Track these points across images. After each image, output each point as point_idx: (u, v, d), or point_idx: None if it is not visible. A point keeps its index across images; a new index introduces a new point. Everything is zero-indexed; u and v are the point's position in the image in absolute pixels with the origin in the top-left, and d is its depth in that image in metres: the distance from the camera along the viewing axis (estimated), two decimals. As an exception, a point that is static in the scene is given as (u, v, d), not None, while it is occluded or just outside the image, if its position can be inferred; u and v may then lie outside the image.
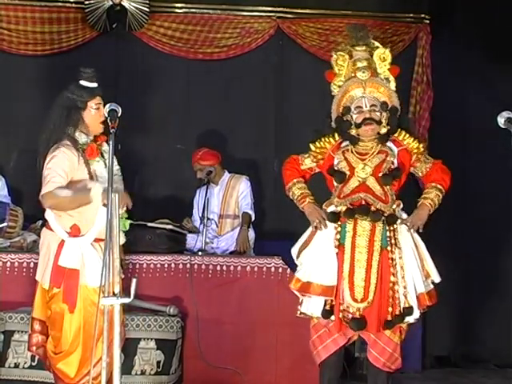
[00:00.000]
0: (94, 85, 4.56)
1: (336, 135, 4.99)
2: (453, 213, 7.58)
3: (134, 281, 3.59)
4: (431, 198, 4.87)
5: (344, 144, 4.96)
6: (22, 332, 5.52)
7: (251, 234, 6.91)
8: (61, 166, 4.38)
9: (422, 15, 7.53)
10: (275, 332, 5.69)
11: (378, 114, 4.89)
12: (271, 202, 7.46)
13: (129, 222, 4.76)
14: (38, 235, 6.51)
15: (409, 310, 4.67)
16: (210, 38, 7.50)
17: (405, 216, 4.86)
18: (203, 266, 6.01)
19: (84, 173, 4.47)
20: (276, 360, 5.89)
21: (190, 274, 5.96)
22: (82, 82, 4.55)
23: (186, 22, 7.46)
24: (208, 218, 6.62)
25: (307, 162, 5.06)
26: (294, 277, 4.86)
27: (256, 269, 5.95)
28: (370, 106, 4.88)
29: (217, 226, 7.00)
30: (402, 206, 4.87)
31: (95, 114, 4.53)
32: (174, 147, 7.54)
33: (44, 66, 7.38)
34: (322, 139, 5.00)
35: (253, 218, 6.90)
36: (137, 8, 7.27)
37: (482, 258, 7.44)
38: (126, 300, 3.61)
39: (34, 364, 5.53)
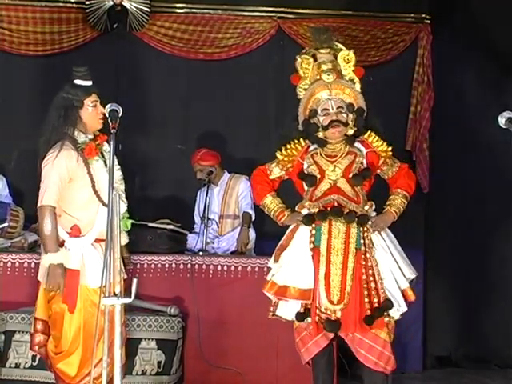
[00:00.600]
0: (89, 83, 4.61)
1: (302, 141, 4.99)
2: (453, 213, 7.59)
3: (134, 281, 3.58)
4: (397, 205, 4.87)
5: (312, 148, 4.97)
6: (23, 332, 5.53)
7: (252, 233, 6.90)
8: (56, 174, 4.43)
9: (423, 15, 7.51)
10: (276, 332, 5.68)
11: (345, 115, 4.90)
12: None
13: (130, 221, 4.77)
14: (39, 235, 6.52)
15: (387, 303, 4.64)
16: (210, 38, 7.47)
17: (373, 214, 4.87)
18: (204, 266, 6.02)
19: (83, 172, 4.50)
20: (277, 360, 5.89)
21: (191, 274, 5.95)
22: (77, 81, 4.60)
23: (187, 23, 7.44)
24: (209, 218, 6.63)
25: (276, 172, 5.06)
26: (270, 280, 4.83)
27: (257, 269, 5.95)
28: (337, 108, 4.89)
29: (217, 226, 6.99)
30: (374, 207, 4.88)
31: (92, 111, 4.57)
32: (175, 147, 7.52)
33: (45, 66, 7.37)
34: (288, 146, 5.00)
35: (253, 218, 6.89)
36: (137, 8, 7.25)
37: (483, 257, 7.43)
38: (127, 300, 3.60)
39: (34, 364, 5.53)
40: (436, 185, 7.41)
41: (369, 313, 4.63)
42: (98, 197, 4.53)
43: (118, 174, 4.72)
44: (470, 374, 7.06)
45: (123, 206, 4.62)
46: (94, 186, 4.52)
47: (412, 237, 7.30)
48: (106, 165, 4.58)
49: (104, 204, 4.46)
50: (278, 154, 5.02)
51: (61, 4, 7.35)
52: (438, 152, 7.47)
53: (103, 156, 4.63)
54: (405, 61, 7.53)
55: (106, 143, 4.67)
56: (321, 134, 4.93)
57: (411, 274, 4.82)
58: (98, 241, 4.52)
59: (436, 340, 7.49)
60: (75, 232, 4.48)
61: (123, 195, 4.67)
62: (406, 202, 4.90)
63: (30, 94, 7.31)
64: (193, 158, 6.92)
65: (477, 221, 7.54)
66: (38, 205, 4.46)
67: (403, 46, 7.52)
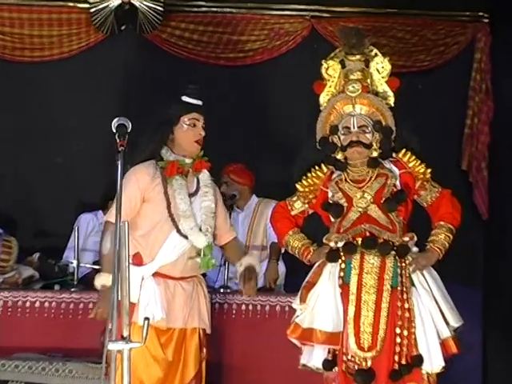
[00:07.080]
0: (194, 101, 4.97)
1: (323, 167, 4.97)
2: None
3: (145, 323, 3.56)
4: (441, 241, 4.81)
5: (336, 174, 4.94)
6: (18, 382, 5.51)
7: (281, 267, 6.89)
8: (127, 195, 4.53)
9: (480, 13, 7.51)
10: (308, 381, 5.64)
11: (369, 135, 4.86)
12: (305, 230, 7.41)
13: (213, 260, 4.93)
14: (36, 269, 6.54)
15: (416, 361, 4.59)
16: (233, 41, 7.54)
17: (415, 250, 4.82)
18: (226, 306, 6.02)
19: (159, 190, 4.77)
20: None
21: (212, 314, 5.93)
22: (183, 98, 4.97)
23: (206, 23, 7.51)
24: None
25: (297, 206, 5.04)
26: (293, 322, 4.81)
27: (287, 308, 5.93)
28: (359, 127, 4.85)
29: (242, 259, 6.97)
30: (415, 239, 4.82)
31: (188, 130, 4.92)
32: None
33: (42, 74, 7.42)
34: (309, 175, 4.98)
35: (283, 250, 6.87)
36: (149, 7, 7.29)
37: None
38: (137, 345, 3.57)
39: (28, 417, 5.52)
40: (496, 210, 7.36)
41: (397, 367, 4.58)
42: (173, 221, 4.75)
43: (207, 204, 4.91)
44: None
45: (203, 241, 4.81)
46: (169, 208, 4.76)
47: (468, 272, 7.29)
48: (191, 192, 4.88)
49: (178, 231, 4.75)
50: (298, 186, 5.01)
51: (61, 3, 7.41)
52: (498, 172, 7.42)
53: (198, 183, 4.93)
54: (459, 66, 7.54)
55: (205, 171, 4.98)
56: (339, 156, 4.90)
57: (456, 322, 4.73)
58: (163, 276, 4.74)
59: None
60: (136, 260, 4.64)
61: (209, 229, 4.87)
62: (451, 237, 4.82)
63: (22, 107, 7.35)
64: (225, 168, 6.84)
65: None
66: (106, 218, 4.88)
67: (457, 49, 7.54)
